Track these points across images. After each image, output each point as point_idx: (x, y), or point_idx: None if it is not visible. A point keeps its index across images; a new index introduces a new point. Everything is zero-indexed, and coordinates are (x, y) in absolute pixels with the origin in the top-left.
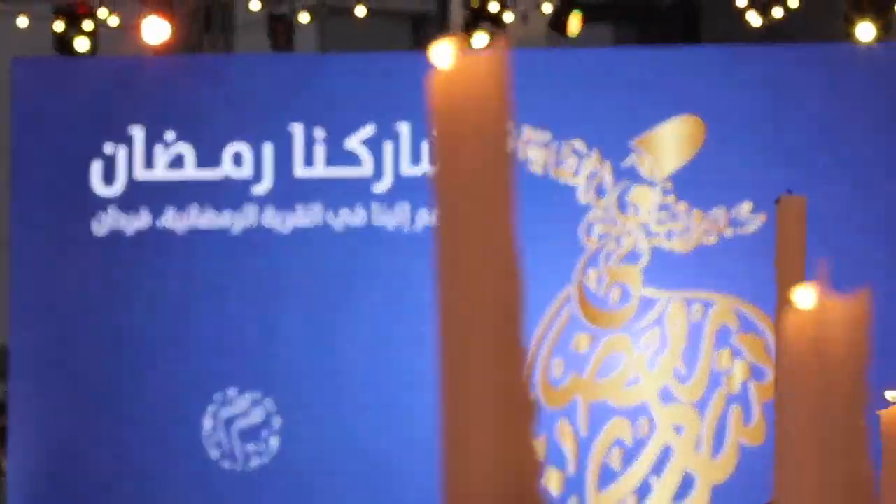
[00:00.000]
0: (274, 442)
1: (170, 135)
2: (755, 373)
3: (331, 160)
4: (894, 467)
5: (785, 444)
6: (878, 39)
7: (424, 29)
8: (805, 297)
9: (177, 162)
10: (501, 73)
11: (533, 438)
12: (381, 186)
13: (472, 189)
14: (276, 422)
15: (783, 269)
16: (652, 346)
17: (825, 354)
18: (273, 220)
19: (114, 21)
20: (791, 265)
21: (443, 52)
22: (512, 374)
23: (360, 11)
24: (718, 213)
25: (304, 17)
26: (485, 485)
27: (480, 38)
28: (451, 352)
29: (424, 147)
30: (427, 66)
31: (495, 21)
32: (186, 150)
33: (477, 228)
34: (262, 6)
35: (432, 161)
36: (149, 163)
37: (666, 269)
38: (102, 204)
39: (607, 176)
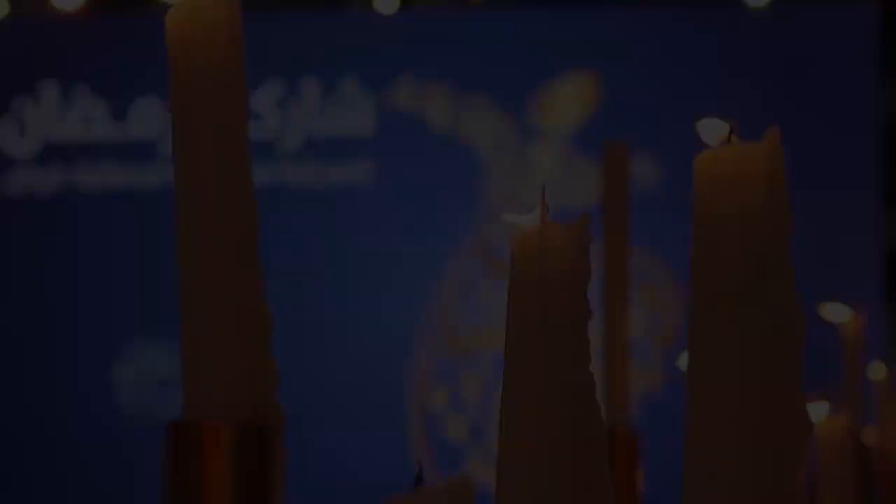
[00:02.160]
0: None
1: (83, 91)
2: (652, 321)
3: None
4: None
5: (513, 356)
6: (771, 3)
7: None
8: (525, 220)
9: (90, 119)
10: (231, 17)
11: (269, 352)
12: (289, 144)
13: (208, 127)
14: None
15: (609, 212)
16: None
17: (547, 275)
18: None
19: None
20: (616, 206)
21: None
22: (250, 295)
23: None
24: None
25: None
26: (222, 393)
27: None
28: (190, 278)
29: (330, 105)
30: (331, 23)
31: None
32: (99, 107)
33: (212, 173)
34: None
35: (171, 105)
36: (61, 120)
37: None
38: (13, 163)
39: (509, 133)
